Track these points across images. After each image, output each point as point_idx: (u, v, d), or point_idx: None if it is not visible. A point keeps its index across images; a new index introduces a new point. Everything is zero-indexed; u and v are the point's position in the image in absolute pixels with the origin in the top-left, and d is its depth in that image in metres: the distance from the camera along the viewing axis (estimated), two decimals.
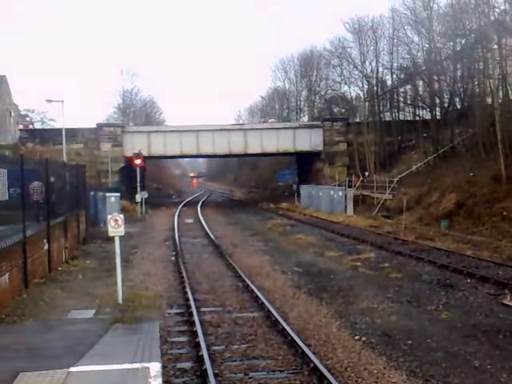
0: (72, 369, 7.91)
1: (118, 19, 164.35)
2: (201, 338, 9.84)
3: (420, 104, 44.70)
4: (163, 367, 8.33)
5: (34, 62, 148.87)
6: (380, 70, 48.66)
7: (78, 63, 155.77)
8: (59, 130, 39.02)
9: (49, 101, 37.11)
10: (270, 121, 63.13)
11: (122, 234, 12.39)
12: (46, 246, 15.90)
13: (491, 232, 22.99)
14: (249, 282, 14.75)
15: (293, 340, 9.86)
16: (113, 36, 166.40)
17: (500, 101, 30.04)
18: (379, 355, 9.30)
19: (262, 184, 72.53)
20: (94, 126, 48.09)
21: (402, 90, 49.37)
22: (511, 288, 13.54)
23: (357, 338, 10.24)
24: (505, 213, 23.57)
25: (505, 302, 12.54)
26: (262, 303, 12.58)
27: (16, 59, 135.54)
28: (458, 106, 39.67)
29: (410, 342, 9.97)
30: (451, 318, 11.41)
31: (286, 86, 76.18)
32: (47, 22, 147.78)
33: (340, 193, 36.95)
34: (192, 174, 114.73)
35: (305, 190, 44.48)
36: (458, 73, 38.78)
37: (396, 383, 8.10)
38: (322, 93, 66.95)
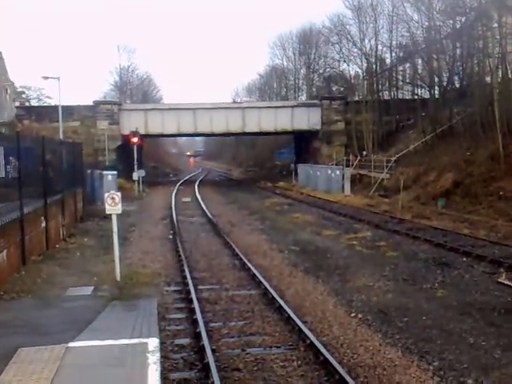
0: (70, 344, 7.97)
1: None
2: (198, 315, 9.92)
3: (419, 83, 44.46)
4: (161, 343, 8.40)
5: (31, 38, 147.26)
6: (379, 47, 48.43)
7: (74, 39, 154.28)
8: (56, 108, 38.76)
9: (45, 77, 36.74)
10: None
11: (120, 211, 12.39)
12: (44, 224, 15.91)
13: (488, 211, 23.08)
14: (246, 261, 14.82)
15: (289, 317, 9.94)
16: (109, 12, 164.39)
17: (499, 80, 29.88)
18: (375, 332, 9.40)
19: (259, 163, 72.42)
20: (91, 103, 47.78)
21: (400, 68, 49.05)
22: (507, 266, 13.64)
23: (353, 315, 10.34)
24: (501, 192, 23.65)
25: (500, 280, 12.64)
26: (259, 281, 12.65)
27: (12, 36, 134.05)
28: (457, 85, 39.50)
29: (405, 319, 10.07)
30: (447, 296, 11.51)
31: (285, 63, 75.70)
32: None
33: (337, 172, 36.95)
34: (189, 153, 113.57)
35: (302, 169, 44.44)
36: (458, 51, 38.54)
37: (391, 359, 8.20)
38: (321, 71, 66.61)
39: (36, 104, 62.59)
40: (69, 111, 43.10)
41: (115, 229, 12.44)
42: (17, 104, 53.44)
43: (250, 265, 14.30)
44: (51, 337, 8.35)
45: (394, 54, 48.82)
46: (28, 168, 15.07)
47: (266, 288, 11.99)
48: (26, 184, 14.24)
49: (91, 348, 7.89)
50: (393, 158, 36.49)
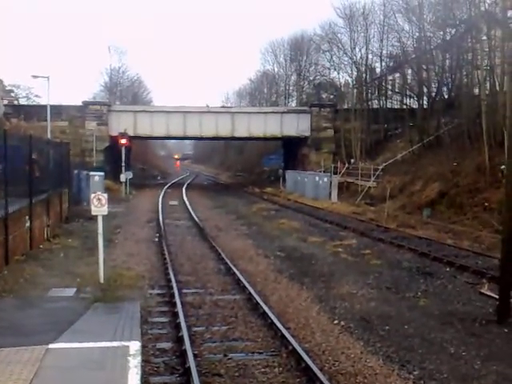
0: (51, 345, 7.91)
1: None
2: (181, 319, 9.89)
3: (408, 92, 44.84)
4: (143, 346, 8.37)
5: (21, 36, 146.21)
6: (369, 57, 48.67)
7: (65, 39, 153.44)
8: (44, 107, 38.49)
9: (34, 76, 36.42)
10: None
11: (105, 213, 12.35)
12: (28, 224, 15.78)
13: (472, 222, 23.26)
14: (231, 265, 14.80)
15: (272, 323, 9.95)
16: (101, 13, 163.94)
17: (487, 92, 30.21)
18: (357, 340, 9.43)
19: (248, 168, 72.43)
20: (80, 103, 47.54)
21: (390, 77, 49.40)
22: (489, 277, 13.75)
23: (336, 322, 10.37)
24: (486, 203, 23.85)
25: (482, 290, 12.74)
26: (244, 286, 12.65)
27: (1, 34, 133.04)
28: (446, 96, 39.83)
29: (387, 327, 10.12)
30: (429, 306, 11.59)
31: (275, 69, 75.92)
32: None
33: (325, 179, 37.10)
34: (176, 156, 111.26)
35: (290, 175, 44.54)
36: (447, 62, 38.90)
37: (372, 367, 8.23)
38: (311, 78, 66.85)
39: (25, 103, 62.01)
40: (57, 111, 42.86)
41: (100, 230, 12.40)
42: (5, 102, 52.93)
43: (235, 269, 14.29)
44: (32, 338, 8.28)
45: (384, 64, 49.26)
46: (14, 167, 14.97)
47: (250, 293, 11.99)
48: (12, 183, 14.13)
49: (72, 350, 7.83)
50: (380, 167, 36.70)
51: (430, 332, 9.89)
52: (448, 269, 15.26)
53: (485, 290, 12.73)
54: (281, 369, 8.17)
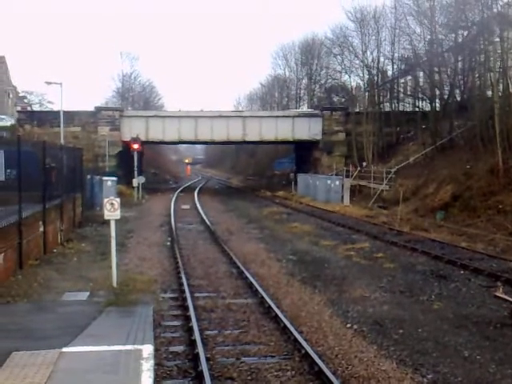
0: (64, 349, 7.95)
1: (118, 2, 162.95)
2: (194, 323, 9.91)
3: (420, 95, 44.62)
4: (156, 350, 8.39)
5: (34, 43, 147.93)
6: (381, 60, 48.43)
7: (77, 46, 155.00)
8: (57, 113, 38.87)
9: (48, 83, 36.83)
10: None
11: (118, 217, 12.42)
12: (42, 228, 15.91)
13: (486, 225, 23.05)
14: (243, 269, 14.80)
15: (285, 326, 9.93)
16: (113, 19, 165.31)
17: (500, 94, 29.98)
18: (370, 343, 9.38)
19: (259, 172, 72.41)
20: (93, 109, 47.91)
21: (402, 80, 49.21)
22: (504, 280, 13.61)
23: (348, 326, 10.32)
24: (500, 206, 23.64)
25: (497, 294, 12.56)
26: (256, 290, 12.64)
27: (15, 40, 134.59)
28: (458, 99, 39.58)
29: (401, 331, 10.05)
30: (443, 309, 11.50)
31: (287, 73, 75.95)
32: (46, 2, 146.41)
33: (337, 182, 37.01)
34: (187, 161, 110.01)
35: (302, 178, 44.47)
36: (459, 65, 38.66)
37: (386, 371, 8.16)
38: (322, 82, 66.77)
39: (38, 109, 62.66)
40: (70, 116, 43.23)
41: (113, 234, 12.45)
42: (18, 108, 53.57)
43: (247, 273, 14.28)
44: (45, 341, 8.34)
45: (395, 67, 48.96)
46: (28, 172, 15.10)
47: (262, 297, 11.98)
48: (26, 188, 14.25)
49: (85, 353, 7.87)
50: (392, 170, 36.50)
51: (444, 335, 9.81)
52: (462, 272, 15.15)
53: (499, 293, 12.55)
54: (293, 372, 8.14)
